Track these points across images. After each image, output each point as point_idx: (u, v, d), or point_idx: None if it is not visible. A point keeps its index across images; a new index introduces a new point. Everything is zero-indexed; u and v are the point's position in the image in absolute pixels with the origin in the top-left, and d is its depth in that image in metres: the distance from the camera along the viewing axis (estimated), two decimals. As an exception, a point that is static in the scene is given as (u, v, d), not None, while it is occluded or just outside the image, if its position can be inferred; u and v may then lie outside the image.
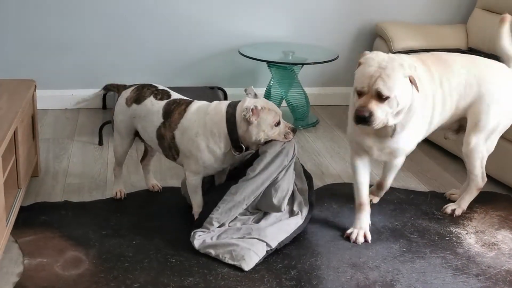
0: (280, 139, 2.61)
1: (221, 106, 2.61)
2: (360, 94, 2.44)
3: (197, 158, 2.61)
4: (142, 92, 2.78)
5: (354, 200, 2.77)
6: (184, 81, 4.38)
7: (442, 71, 2.69)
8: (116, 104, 2.86)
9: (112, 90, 3.03)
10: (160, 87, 2.82)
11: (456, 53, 2.91)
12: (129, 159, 3.32)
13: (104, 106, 4.33)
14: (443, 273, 2.48)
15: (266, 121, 2.54)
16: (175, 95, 2.77)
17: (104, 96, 4.32)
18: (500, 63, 2.85)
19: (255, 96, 2.63)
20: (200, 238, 2.58)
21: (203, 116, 2.60)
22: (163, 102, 2.71)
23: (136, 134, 2.87)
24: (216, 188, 2.77)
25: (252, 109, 2.51)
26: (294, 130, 2.63)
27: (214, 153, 2.59)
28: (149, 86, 2.81)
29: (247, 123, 2.52)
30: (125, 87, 2.89)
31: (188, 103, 2.69)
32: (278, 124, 2.58)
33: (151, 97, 2.74)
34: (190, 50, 4.36)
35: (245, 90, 2.67)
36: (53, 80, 4.22)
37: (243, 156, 2.73)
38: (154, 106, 2.71)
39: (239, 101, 2.60)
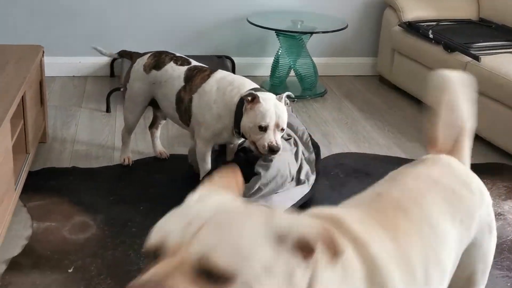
0: (257, 145, 2.47)
1: (245, 85, 2.58)
2: None
3: (208, 125, 2.61)
4: (160, 58, 2.78)
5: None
6: (192, 50, 4.35)
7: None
8: (131, 71, 2.85)
9: (125, 56, 3.01)
10: (178, 54, 2.82)
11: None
12: (137, 126, 3.32)
13: (112, 74, 4.32)
14: (448, 242, 2.49)
15: (253, 117, 2.45)
16: (194, 62, 2.77)
17: (111, 64, 4.31)
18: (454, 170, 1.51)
19: (280, 99, 2.52)
20: None
21: (226, 85, 2.59)
22: (185, 68, 2.72)
23: (150, 102, 2.87)
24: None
25: (254, 97, 2.45)
26: (272, 150, 2.45)
27: (224, 124, 2.59)
28: (167, 53, 2.82)
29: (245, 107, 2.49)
30: (138, 54, 2.88)
31: (213, 71, 2.68)
32: (263, 129, 2.46)
33: (171, 62, 2.74)
34: (198, 18, 4.33)
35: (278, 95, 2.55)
36: (61, 47, 4.21)
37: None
38: (175, 71, 2.71)
39: (266, 91, 2.55)
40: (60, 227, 2.45)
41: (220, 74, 2.66)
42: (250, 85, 2.59)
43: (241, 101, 2.50)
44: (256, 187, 2.55)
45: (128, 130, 2.98)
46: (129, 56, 2.94)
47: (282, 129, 2.51)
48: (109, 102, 3.70)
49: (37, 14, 4.12)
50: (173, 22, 4.30)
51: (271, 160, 2.59)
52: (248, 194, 2.55)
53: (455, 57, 3.59)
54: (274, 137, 2.47)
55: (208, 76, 2.64)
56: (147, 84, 2.79)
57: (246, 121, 2.48)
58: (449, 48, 3.64)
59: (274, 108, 2.46)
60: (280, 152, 2.52)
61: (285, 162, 2.62)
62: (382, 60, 4.42)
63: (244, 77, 2.67)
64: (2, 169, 2.21)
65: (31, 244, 2.33)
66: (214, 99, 2.58)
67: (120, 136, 3.05)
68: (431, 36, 3.80)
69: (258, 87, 2.61)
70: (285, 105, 2.54)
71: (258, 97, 2.45)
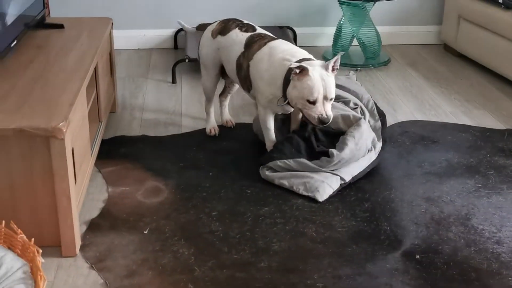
0: (307, 116, 2.49)
1: (295, 54, 2.58)
2: None
3: (262, 92, 2.64)
4: (227, 25, 2.84)
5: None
6: (254, 21, 4.31)
7: None
8: (201, 38, 2.93)
9: (202, 29, 3.03)
10: (245, 21, 2.85)
11: None
12: (202, 96, 3.38)
13: (175, 46, 4.39)
14: (520, 209, 2.45)
15: (300, 90, 2.45)
16: (260, 30, 2.80)
17: (175, 37, 4.38)
18: None
19: (327, 67, 2.47)
20: (268, 171, 2.64)
21: (277, 54, 2.60)
22: (248, 34, 2.76)
23: (222, 69, 2.92)
24: (291, 138, 2.74)
25: (302, 70, 2.43)
26: (323, 122, 2.46)
27: (274, 92, 2.61)
28: (235, 20, 2.88)
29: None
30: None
31: (271, 39, 2.70)
32: (312, 103, 2.46)
33: (237, 29, 2.80)
34: (259, -11, 4.33)
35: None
36: (126, 20, 4.30)
37: None
38: (238, 37, 2.76)
39: (319, 61, 2.54)
40: (133, 191, 2.54)
41: (276, 43, 2.67)
42: (300, 54, 2.59)
43: (289, 71, 2.50)
44: (336, 160, 2.58)
45: (207, 98, 3.04)
46: (204, 27, 3.00)
47: (331, 99, 2.50)
48: (175, 73, 3.78)
49: (104, -12, 4.22)
50: (235, -7, 4.33)
51: (354, 137, 2.62)
52: (327, 166, 2.58)
53: (526, 22, 3.47)
54: (323, 109, 2.47)
55: (265, 44, 2.66)
56: (214, 50, 2.85)
57: (293, 92, 2.49)
58: (520, 12, 3.52)
59: (320, 81, 2.45)
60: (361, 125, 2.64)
61: (369, 137, 2.69)
62: (447, 27, 4.32)
63: (297, 47, 2.67)
64: (80, 135, 2.30)
65: (108, 207, 2.43)
66: (265, 67, 2.61)
67: (187, 106, 3.10)
68: (500, 0, 3.68)
69: (310, 56, 2.60)
70: (332, 71, 2.50)
71: (307, 69, 2.43)
